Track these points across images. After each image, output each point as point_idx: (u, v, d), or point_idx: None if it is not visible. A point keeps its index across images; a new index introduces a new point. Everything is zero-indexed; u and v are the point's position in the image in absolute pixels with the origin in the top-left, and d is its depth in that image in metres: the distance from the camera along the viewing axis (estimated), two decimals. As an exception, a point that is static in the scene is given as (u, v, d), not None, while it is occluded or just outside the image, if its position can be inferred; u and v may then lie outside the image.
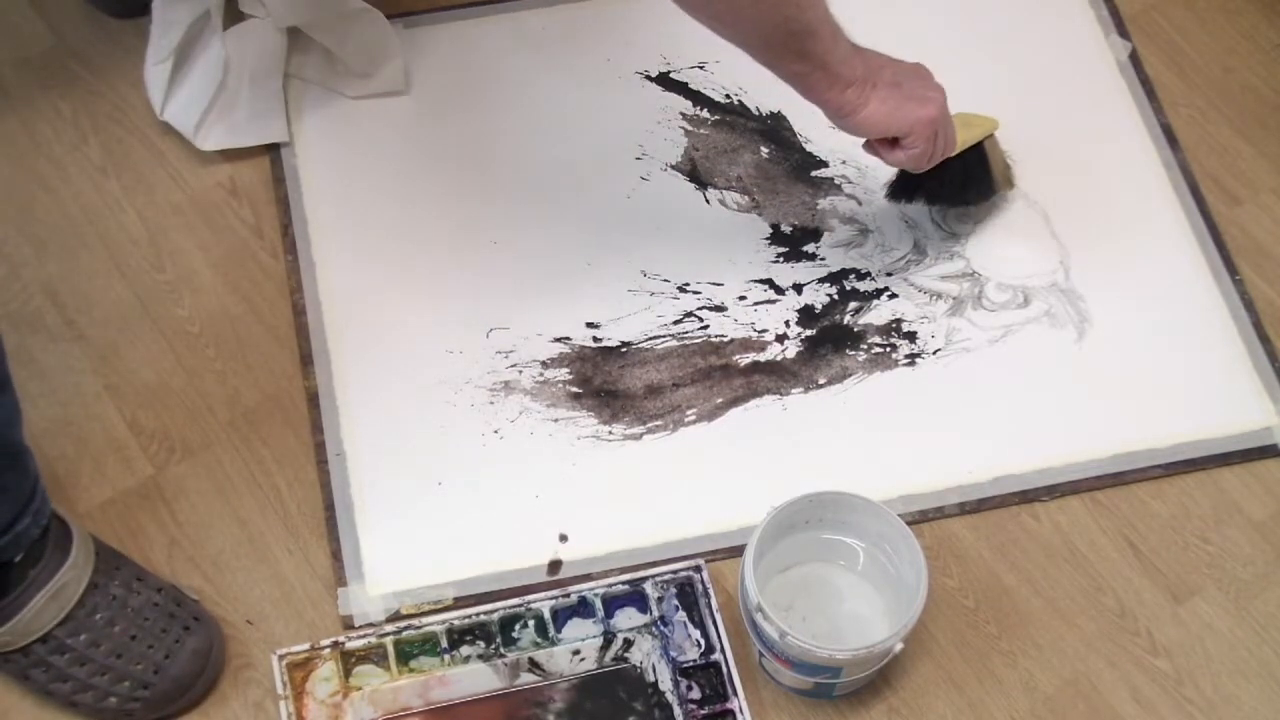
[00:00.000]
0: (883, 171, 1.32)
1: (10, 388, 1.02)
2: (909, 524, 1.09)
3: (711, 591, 1.14)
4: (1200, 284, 1.30)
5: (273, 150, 1.35)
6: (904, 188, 1.27)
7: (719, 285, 1.29)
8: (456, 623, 1.13)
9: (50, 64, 1.40)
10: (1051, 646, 1.15)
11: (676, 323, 1.28)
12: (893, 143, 1.16)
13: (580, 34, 1.42)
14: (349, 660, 1.11)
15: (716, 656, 1.12)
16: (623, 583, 1.15)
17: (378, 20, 1.35)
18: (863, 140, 1.18)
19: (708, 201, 1.34)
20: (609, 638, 1.13)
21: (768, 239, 1.32)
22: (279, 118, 1.35)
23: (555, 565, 1.17)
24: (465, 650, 1.12)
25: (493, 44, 1.42)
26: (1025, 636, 1.15)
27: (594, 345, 1.26)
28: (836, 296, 1.29)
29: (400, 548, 1.17)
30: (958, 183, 1.26)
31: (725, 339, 1.27)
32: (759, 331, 1.27)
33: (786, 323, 1.28)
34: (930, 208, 1.32)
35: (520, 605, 1.14)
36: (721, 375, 1.25)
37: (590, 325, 1.27)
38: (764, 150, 1.36)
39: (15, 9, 1.42)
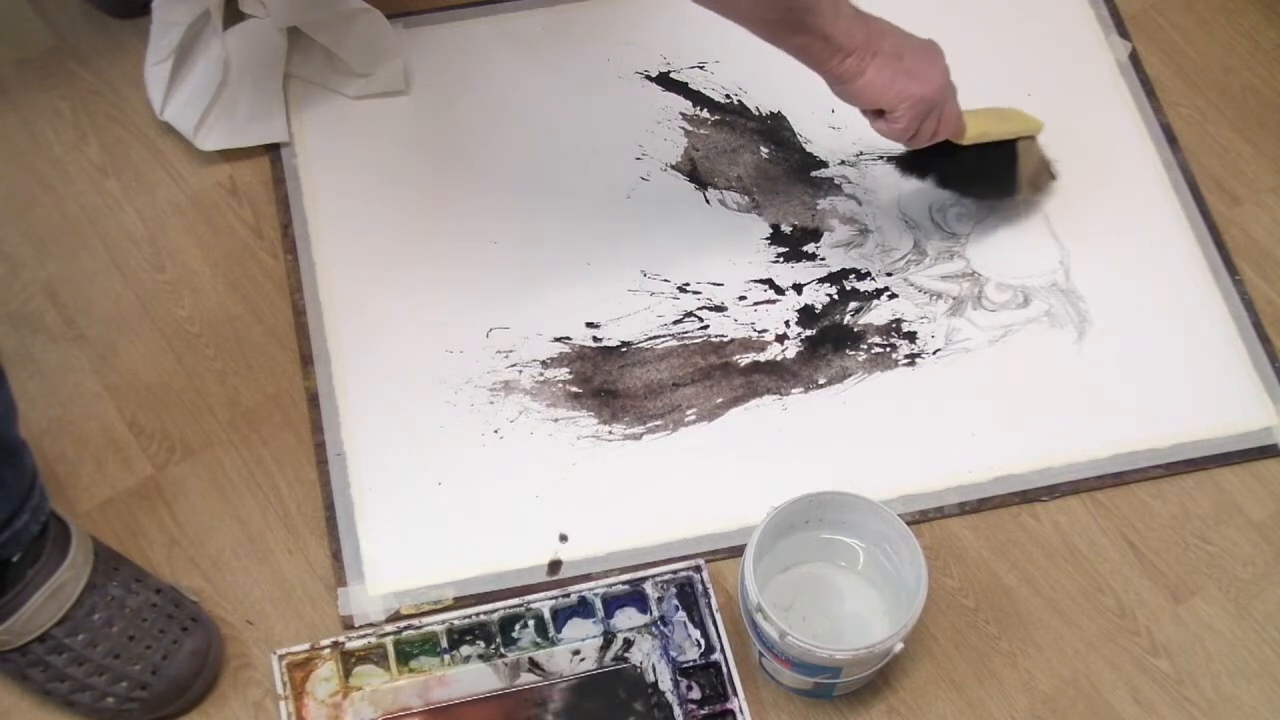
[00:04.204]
0: (881, 172, 1.33)
1: (4, 383, 1.02)
2: (909, 524, 1.09)
3: (711, 591, 1.14)
4: (1200, 284, 1.30)
5: (273, 150, 1.35)
6: (914, 163, 1.26)
7: (719, 285, 1.29)
8: (456, 623, 1.13)
9: (50, 64, 1.39)
10: (1051, 646, 1.15)
11: (676, 323, 1.27)
12: (880, 112, 1.16)
13: (580, 34, 1.42)
14: (349, 660, 1.11)
15: (716, 656, 1.12)
16: (623, 583, 1.15)
17: (378, 20, 1.35)
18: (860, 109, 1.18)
19: (708, 201, 1.34)
20: (609, 638, 1.13)
21: (768, 239, 1.32)
22: (279, 118, 1.35)
23: (555, 565, 1.17)
24: (465, 650, 1.12)
25: (492, 44, 1.42)
26: (1025, 636, 1.15)
27: (594, 345, 1.26)
28: (836, 296, 1.29)
29: (400, 548, 1.17)
30: (971, 175, 1.25)
31: (725, 339, 1.27)
32: (759, 331, 1.27)
33: (786, 323, 1.28)
34: (932, 200, 1.31)
35: (520, 605, 1.14)
36: (721, 375, 1.25)
37: (590, 325, 1.27)
38: (764, 150, 1.36)
39: (15, 9, 1.42)
